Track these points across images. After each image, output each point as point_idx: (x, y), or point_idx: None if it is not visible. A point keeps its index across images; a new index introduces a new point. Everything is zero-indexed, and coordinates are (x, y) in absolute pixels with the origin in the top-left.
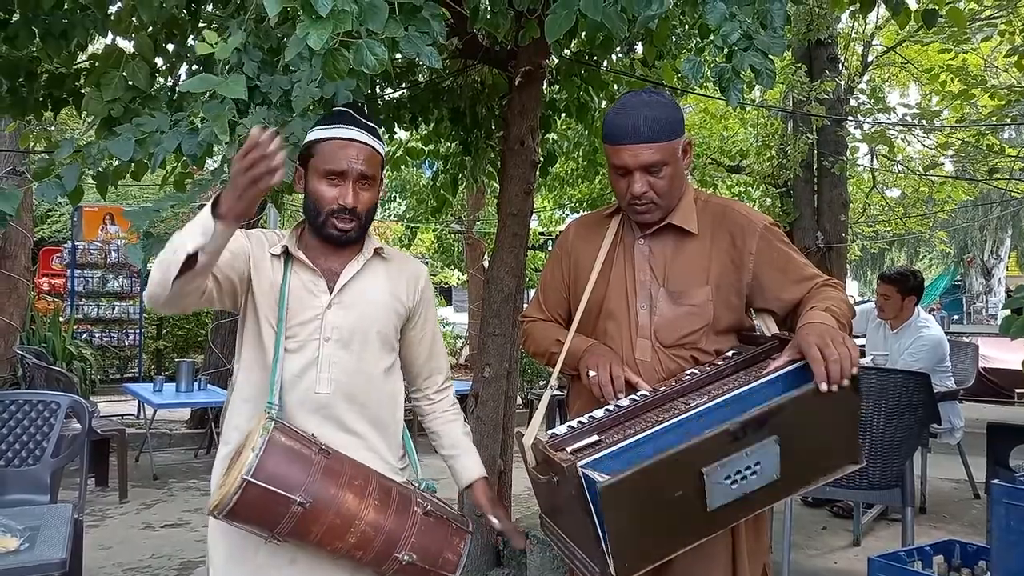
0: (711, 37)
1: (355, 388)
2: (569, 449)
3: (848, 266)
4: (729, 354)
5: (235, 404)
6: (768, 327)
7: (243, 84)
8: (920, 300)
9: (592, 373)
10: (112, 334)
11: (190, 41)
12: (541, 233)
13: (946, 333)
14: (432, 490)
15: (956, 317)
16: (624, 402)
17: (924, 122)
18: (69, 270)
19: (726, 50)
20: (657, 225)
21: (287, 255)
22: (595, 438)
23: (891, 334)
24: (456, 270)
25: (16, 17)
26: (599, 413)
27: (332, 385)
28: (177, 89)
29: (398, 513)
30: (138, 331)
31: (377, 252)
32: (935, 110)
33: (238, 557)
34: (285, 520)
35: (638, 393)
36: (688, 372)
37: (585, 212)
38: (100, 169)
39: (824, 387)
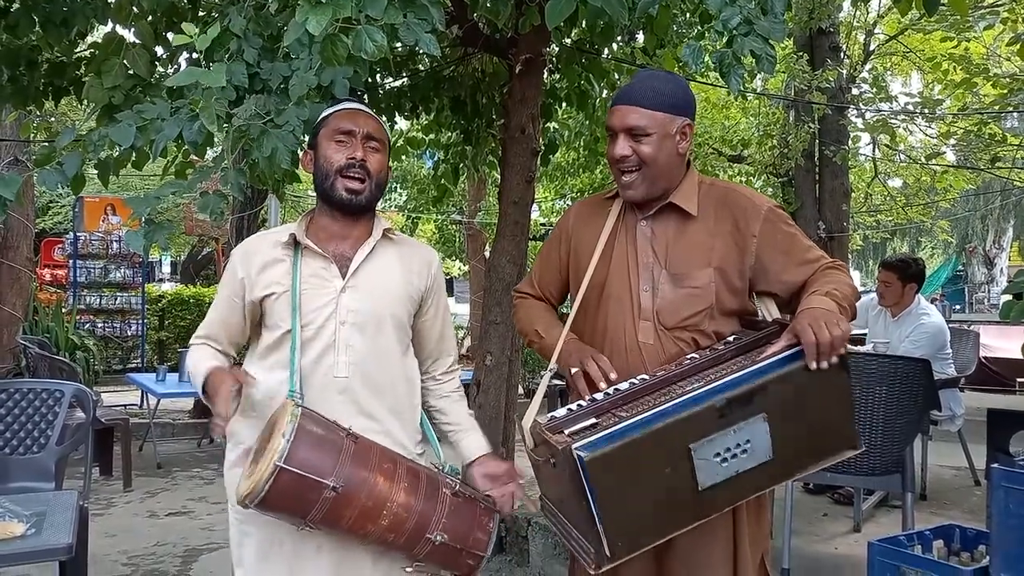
0: (711, 23)
1: (372, 371)
2: (567, 432)
3: (850, 256)
4: (730, 339)
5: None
6: (769, 312)
7: (223, 73)
8: (921, 287)
9: (574, 369)
10: (114, 324)
11: None
12: (542, 223)
13: (948, 322)
14: (456, 473)
15: (958, 307)
16: (623, 386)
17: (926, 111)
18: (71, 261)
19: (726, 35)
20: (657, 205)
21: (296, 245)
22: (592, 421)
23: (892, 321)
24: (457, 261)
25: (16, 5)
26: (598, 396)
27: (350, 368)
28: (166, 85)
29: (428, 494)
30: (140, 321)
31: (386, 233)
32: (937, 99)
33: (266, 552)
34: (318, 506)
35: (637, 377)
36: (688, 357)
37: None
38: (101, 157)
39: (813, 365)
